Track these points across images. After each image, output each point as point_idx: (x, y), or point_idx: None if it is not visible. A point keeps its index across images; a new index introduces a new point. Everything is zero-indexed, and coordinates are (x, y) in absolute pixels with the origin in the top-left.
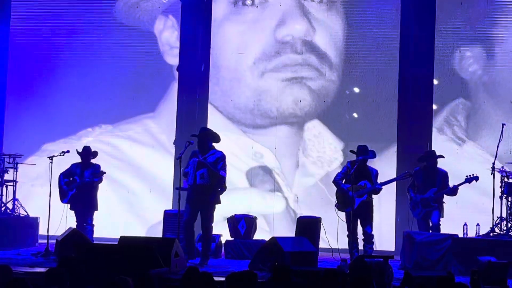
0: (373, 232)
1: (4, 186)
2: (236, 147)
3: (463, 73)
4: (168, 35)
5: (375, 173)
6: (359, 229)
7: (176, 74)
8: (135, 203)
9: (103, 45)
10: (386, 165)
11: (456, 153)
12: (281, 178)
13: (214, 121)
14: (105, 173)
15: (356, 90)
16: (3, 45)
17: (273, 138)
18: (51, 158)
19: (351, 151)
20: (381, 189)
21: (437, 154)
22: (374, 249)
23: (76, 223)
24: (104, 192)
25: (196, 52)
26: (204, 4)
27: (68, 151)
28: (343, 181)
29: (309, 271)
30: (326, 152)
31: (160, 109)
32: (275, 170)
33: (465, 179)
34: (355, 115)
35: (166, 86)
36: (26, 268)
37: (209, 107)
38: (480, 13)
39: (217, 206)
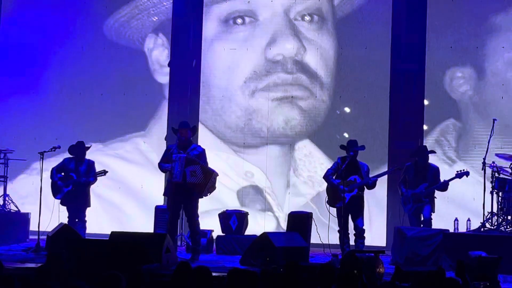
0: (364, 227)
1: None
2: (227, 166)
3: (453, 94)
4: (158, 53)
5: (366, 168)
6: (350, 224)
7: (167, 93)
8: (125, 221)
9: (92, 61)
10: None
11: (447, 171)
12: (272, 198)
13: (205, 140)
14: (107, 172)
15: (347, 110)
16: None
17: (264, 157)
18: (41, 153)
19: (341, 146)
20: (374, 182)
21: (428, 149)
22: (365, 244)
23: (68, 219)
24: (94, 210)
25: (186, 70)
26: (194, 22)
27: (59, 146)
28: (334, 177)
29: (305, 266)
30: (317, 172)
31: (150, 127)
32: (266, 190)
33: (456, 174)
34: (346, 135)
35: (157, 105)
36: (17, 263)
37: (200, 126)
38: (471, 33)
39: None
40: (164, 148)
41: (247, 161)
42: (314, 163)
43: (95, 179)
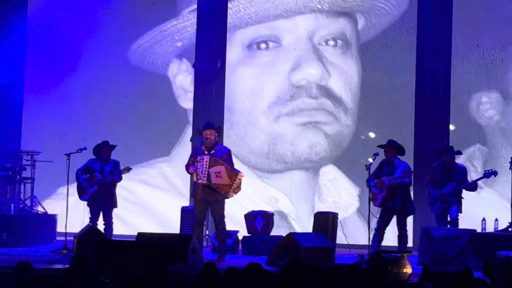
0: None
1: (22, 183)
2: (251, 192)
3: (479, 119)
4: (182, 79)
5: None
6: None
7: (191, 117)
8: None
9: (117, 86)
10: None
11: (474, 199)
12: (296, 223)
13: None
14: (131, 169)
15: (372, 135)
16: (20, 45)
17: (288, 182)
18: (68, 155)
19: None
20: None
21: (455, 150)
22: (391, 244)
23: (91, 220)
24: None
25: (210, 95)
26: (218, 48)
27: (85, 148)
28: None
29: (331, 267)
30: (342, 197)
31: (175, 152)
32: (291, 215)
33: (484, 174)
34: (370, 160)
35: (180, 130)
36: (45, 264)
37: None
38: (497, 58)
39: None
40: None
41: (271, 186)
42: (338, 189)
43: (120, 177)
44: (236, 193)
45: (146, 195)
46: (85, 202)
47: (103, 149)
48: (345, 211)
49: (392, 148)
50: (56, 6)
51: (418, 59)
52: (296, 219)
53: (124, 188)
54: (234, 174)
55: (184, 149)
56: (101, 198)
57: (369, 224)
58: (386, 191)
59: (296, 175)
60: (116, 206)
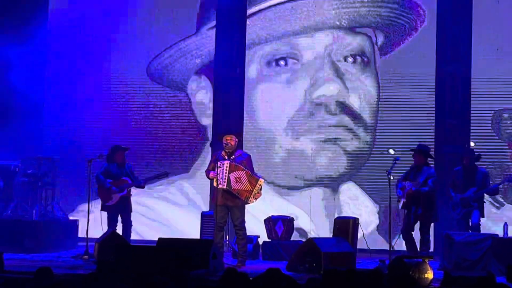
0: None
1: (44, 189)
2: (271, 209)
3: (500, 135)
4: (201, 95)
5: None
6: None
7: (210, 134)
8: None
9: (138, 103)
10: None
11: (495, 216)
12: None
13: None
14: (169, 173)
15: (391, 151)
16: (41, 49)
17: (308, 200)
18: (89, 161)
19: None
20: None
21: (475, 154)
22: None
23: (110, 225)
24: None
25: (229, 112)
26: (237, 65)
27: (106, 153)
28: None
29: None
30: (362, 215)
31: (195, 170)
32: (311, 232)
33: (505, 178)
34: (391, 177)
35: (200, 147)
36: (66, 270)
37: None
38: None
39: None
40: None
41: (291, 203)
42: (359, 206)
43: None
44: (256, 198)
45: (165, 212)
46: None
47: (118, 153)
48: (365, 229)
49: (421, 154)
50: (76, 19)
51: (438, 63)
52: (316, 237)
53: (143, 205)
54: (254, 179)
55: (203, 167)
56: (124, 203)
57: (390, 228)
58: (408, 196)
59: (316, 192)
60: (132, 210)
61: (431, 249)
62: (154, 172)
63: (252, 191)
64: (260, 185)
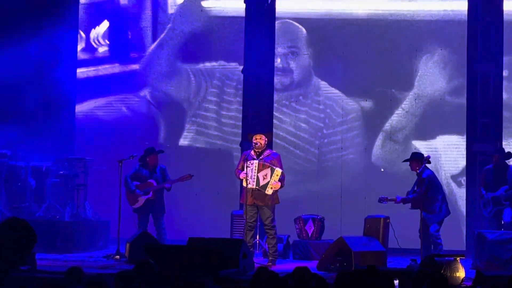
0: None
1: (76, 190)
2: None
3: None
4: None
5: None
6: None
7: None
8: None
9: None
10: None
11: None
12: None
13: None
14: (192, 176)
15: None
16: (72, 51)
17: None
18: (120, 161)
19: None
20: None
21: (506, 152)
22: (445, 248)
23: (140, 227)
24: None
25: (259, 101)
26: (267, 54)
27: (137, 155)
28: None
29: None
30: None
31: None
32: None
33: None
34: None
35: None
36: (98, 270)
37: None
38: None
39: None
40: None
41: None
42: None
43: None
44: (273, 188)
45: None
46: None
47: (151, 156)
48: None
49: (412, 160)
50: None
51: (469, 61)
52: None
53: None
54: (273, 170)
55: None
56: (151, 205)
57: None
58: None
59: None
60: (165, 212)
61: (463, 248)
62: (181, 176)
63: (270, 181)
64: (277, 175)
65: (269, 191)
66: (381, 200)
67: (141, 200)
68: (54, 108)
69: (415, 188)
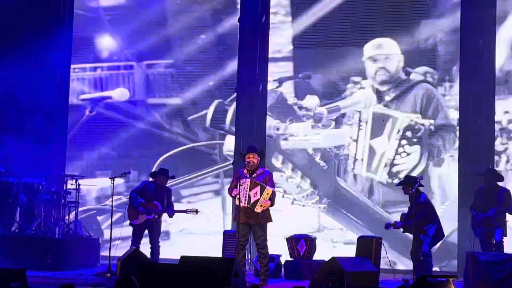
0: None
1: (67, 207)
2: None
3: None
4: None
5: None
6: None
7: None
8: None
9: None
10: None
11: None
12: None
13: None
14: (199, 211)
15: None
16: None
17: None
18: (112, 178)
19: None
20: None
21: (497, 173)
22: (437, 269)
23: (133, 242)
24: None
25: (252, 118)
26: (260, 73)
27: (129, 172)
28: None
29: None
30: None
31: None
32: None
33: None
34: None
35: None
36: (88, 287)
37: None
38: None
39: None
40: None
41: None
42: None
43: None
44: (262, 206)
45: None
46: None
47: (161, 177)
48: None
49: (405, 183)
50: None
51: (461, 81)
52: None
53: None
54: (263, 189)
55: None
56: (150, 225)
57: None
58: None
59: None
60: (160, 234)
61: (455, 269)
62: (187, 208)
63: (259, 199)
64: (267, 193)
65: (258, 209)
66: (387, 226)
67: (142, 218)
68: (46, 125)
69: (412, 212)
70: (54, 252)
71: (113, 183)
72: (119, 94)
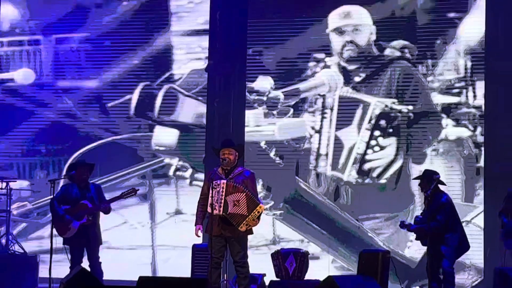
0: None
1: None
2: None
3: None
4: None
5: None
6: None
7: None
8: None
9: None
10: None
11: None
12: None
13: None
14: (138, 190)
15: None
16: None
17: None
18: (52, 181)
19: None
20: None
21: None
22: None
23: (72, 261)
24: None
25: (228, 106)
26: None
27: (74, 173)
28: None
29: None
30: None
31: None
32: None
33: None
34: None
35: None
36: None
37: None
38: None
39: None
40: None
41: None
42: None
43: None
44: (248, 226)
45: None
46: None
47: (78, 171)
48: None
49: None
50: None
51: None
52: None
53: None
54: (254, 204)
55: None
56: (85, 234)
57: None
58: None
59: None
60: (101, 243)
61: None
62: (122, 192)
63: (247, 216)
64: (258, 211)
65: (242, 228)
66: (402, 226)
67: (73, 227)
68: None
69: (431, 215)
70: None
71: (53, 187)
72: (22, 75)
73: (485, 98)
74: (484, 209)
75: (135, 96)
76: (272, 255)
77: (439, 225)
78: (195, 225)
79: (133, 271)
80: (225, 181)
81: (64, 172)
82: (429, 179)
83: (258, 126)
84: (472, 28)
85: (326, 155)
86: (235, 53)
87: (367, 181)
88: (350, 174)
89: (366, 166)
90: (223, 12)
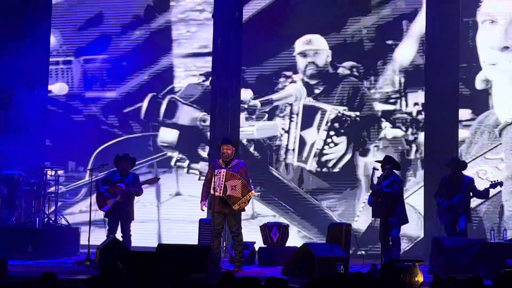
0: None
1: (47, 198)
2: None
3: None
4: None
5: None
6: None
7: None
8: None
9: None
10: None
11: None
12: None
13: None
14: (159, 179)
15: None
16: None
17: None
18: (91, 170)
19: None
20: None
21: (462, 162)
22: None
23: (109, 232)
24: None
25: (227, 111)
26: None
27: (107, 163)
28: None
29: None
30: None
31: None
32: None
33: (490, 185)
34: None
35: None
36: (69, 275)
37: None
38: None
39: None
40: None
41: None
42: None
43: (142, 191)
44: (241, 207)
45: None
46: (103, 213)
47: (121, 161)
48: None
49: (383, 162)
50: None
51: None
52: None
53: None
54: (247, 190)
55: None
56: (120, 210)
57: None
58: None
59: None
60: (133, 219)
61: (420, 254)
62: (147, 179)
63: (241, 199)
64: (249, 196)
65: (235, 207)
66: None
67: (110, 203)
68: (26, 117)
69: (388, 184)
70: (34, 242)
71: (91, 174)
72: (58, 88)
73: (423, 106)
74: (424, 192)
75: (145, 104)
76: (261, 227)
77: (394, 192)
78: (200, 202)
79: (141, 239)
80: (225, 170)
81: (91, 161)
82: (388, 161)
83: (241, 128)
84: (405, 52)
85: (293, 150)
86: (231, 71)
87: (324, 170)
88: (311, 165)
89: (324, 158)
90: (223, 39)
